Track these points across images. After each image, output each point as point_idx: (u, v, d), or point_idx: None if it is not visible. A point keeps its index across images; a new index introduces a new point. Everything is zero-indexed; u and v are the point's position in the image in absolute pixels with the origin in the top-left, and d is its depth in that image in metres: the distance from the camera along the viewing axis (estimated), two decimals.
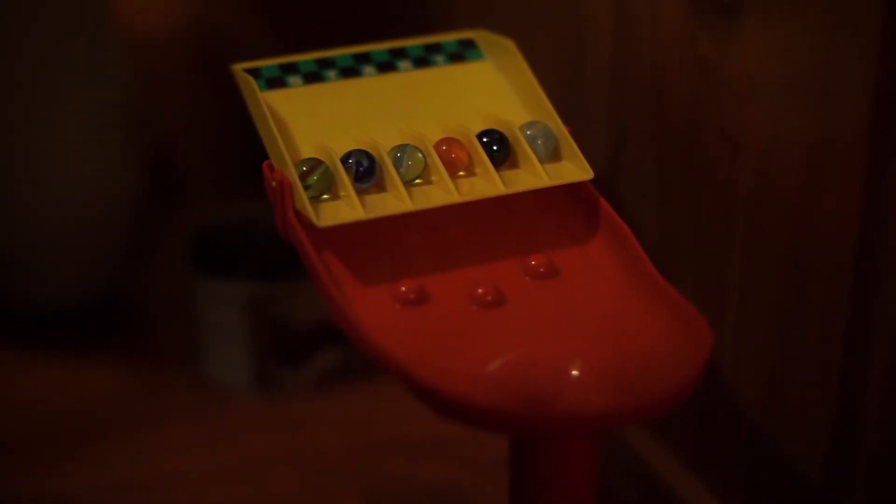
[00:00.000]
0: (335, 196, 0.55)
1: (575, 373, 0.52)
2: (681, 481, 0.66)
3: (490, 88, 0.62)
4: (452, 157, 0.57)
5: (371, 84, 0.61)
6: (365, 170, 0.55)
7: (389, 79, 0.62)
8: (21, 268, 0.87)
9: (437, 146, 0.57)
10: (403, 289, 0.54)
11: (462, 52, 0.63)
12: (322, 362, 0.84)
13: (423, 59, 0.63)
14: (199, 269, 0.83)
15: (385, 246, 0.56)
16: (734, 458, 0.63)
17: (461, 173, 0.57)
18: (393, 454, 0.78)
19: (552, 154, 0.58)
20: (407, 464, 0.77)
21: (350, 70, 0.62)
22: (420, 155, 0.56)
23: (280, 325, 0.82)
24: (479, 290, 0.54)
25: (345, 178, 0.55)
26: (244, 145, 0.99)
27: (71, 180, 0.86)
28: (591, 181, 0.57)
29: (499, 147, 0.57)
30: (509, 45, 0.62)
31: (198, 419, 0.82)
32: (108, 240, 0.89)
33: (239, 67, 0.61)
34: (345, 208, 0.54)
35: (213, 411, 0.83)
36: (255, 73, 0.60)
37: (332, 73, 0.61)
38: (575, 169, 0.57)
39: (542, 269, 0.56)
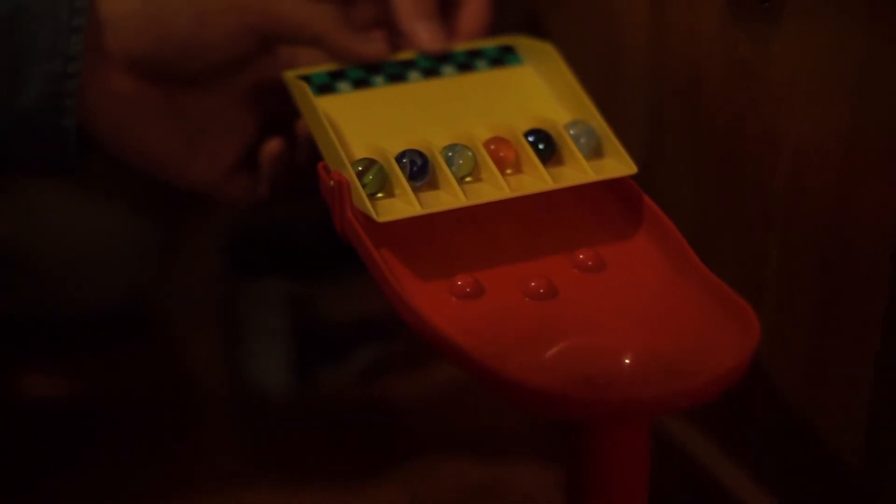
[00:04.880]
0: (390, 194, 0.57)
1: (628, 361, 0.53)
2: (721, 467, 0.67)
3: (531, 90, 0.64)
4: (501, 155, 0.59)
5: (417, 88, 0.63)
6: (419, 168, 0.57)
7: (434, 83, 0.64)
8: (54, 274, 0.88)
9: (485, 145, 0.59)
10: (459, 283, 0.56)
11: (502, 57, 0.65)
12: (361, 359, 0.86)
13: (465, 65, 0.65)
14: (236, 270, 0.85)
15: (439, 243, 0.58)
16: (773, 444, 0.65)
17: (509, 171, 0.59)
18: (435, 448, 0.79)
19: (595, 151, 0.60)
20: (448, 458, 0.78)
21: (396, 76, 0.64)
22: (470, 153, 0.58)
23: (318, 323, 0.83)
24: (532, 284, 0.56)
25: (400, 177, 0.57)
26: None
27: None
28: (631, 178, 0.59)
29: (545, 145, 0.59)
30: (548, 48, 0.64)
31: (238, 419, 0.83)
32: (141, 245, 0.90)
33: (291, 74, 0.62)
34: (401, 204, 0.56)
35: (253, 411, 0.84)
36: (305, 79, 0.62)
37: (379, 79, 0.63)
38: (618, 164, 0.59)
39: (590, 263, 0.58)
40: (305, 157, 0.66)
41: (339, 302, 0.84)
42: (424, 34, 0.64)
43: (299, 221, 0.84)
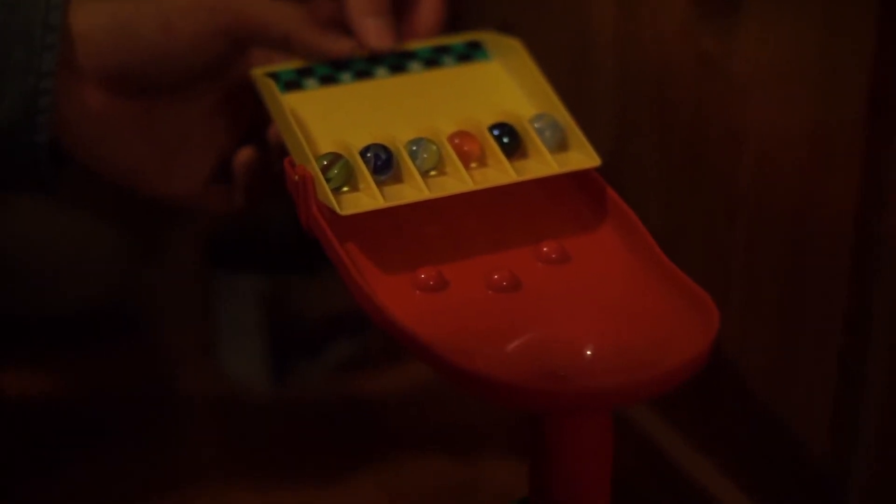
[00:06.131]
0: (354, 188, 0.57)
1: (589, 352, 0.54)
2: (688, 459, 0.68)
3: (498, 85, 0.64)
4: (465, 149, 0.59)
5: (383, 84, 0.64)
6: (383, 162, 0.57)
7: (401, 79, 0.64)
8: (34, 274, 0.88)
9: (450, 139, 0.59)
10: (423, 276, 0.56)
11: (469, 53, 0.66)
12: (337, 354, 0.86)
13: (432, 60, 0.65)
14: (213, 265, 0.85)
15: (403, 237, 0.58)
16: (739, 434, 0.65)
17: (473, 164, 0.59)
18: (412, 444, 0.79)
19: (560, 144, 0.60)
20: (426, 454, 0.78)
21: (363, 72, 0.64)
22: (434, 147, 0.58)
23: (294, 318, 0.84)
24: (496, 276, 0.56)
25: (364, 171, 0.57)
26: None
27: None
28: (597, 172, 0.60)
29: (509, 139, 0.59)
30: (516, 44, 0.64)
31: (214, 414, 0.84)
32: (120, 244, 0.90)
33: (258, 71, 0.63)
34: (365, 198, 0.57)
35: (229, 406, 0.84)
36: (272, 76, 0.62)
37: (345, 76, 0.64)
38: (582, 157, 0.60)
39: (554, 255, 0.58)
40: (279, 163, 0.66)
41: (315, 297, 0.84)
42: (373, 31, 0.64)
43: (274, 218, 0.85)
